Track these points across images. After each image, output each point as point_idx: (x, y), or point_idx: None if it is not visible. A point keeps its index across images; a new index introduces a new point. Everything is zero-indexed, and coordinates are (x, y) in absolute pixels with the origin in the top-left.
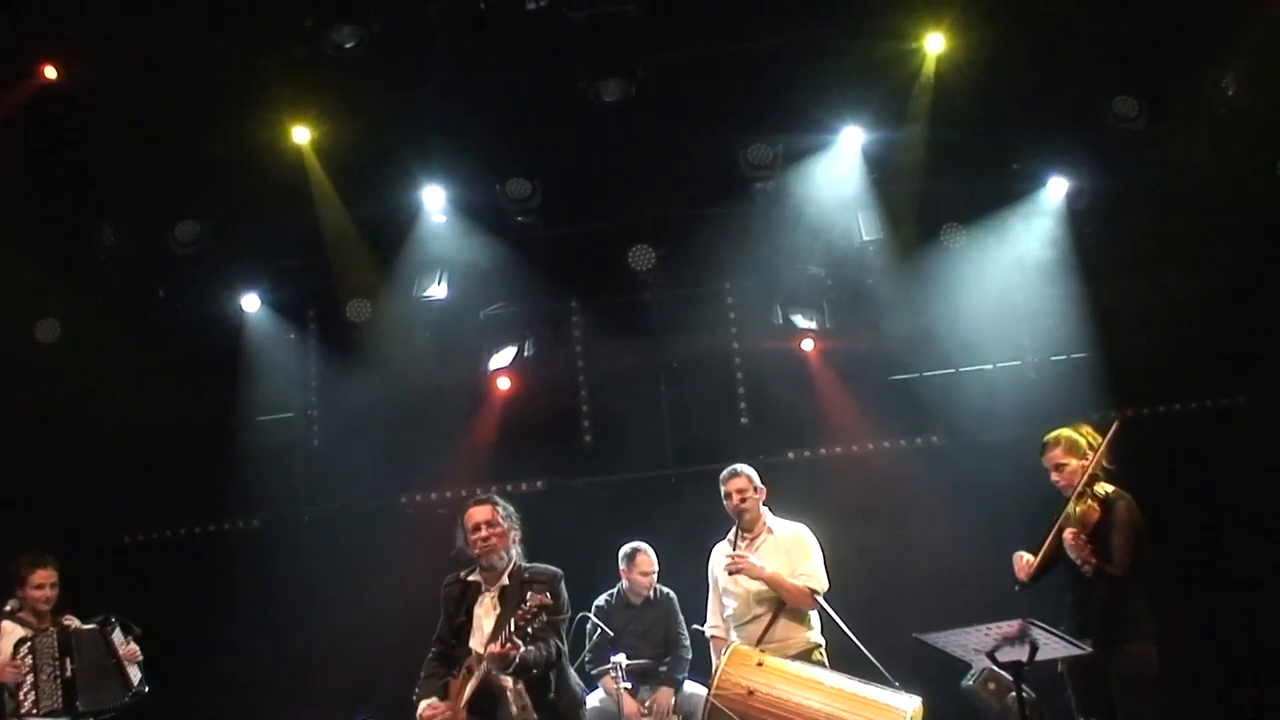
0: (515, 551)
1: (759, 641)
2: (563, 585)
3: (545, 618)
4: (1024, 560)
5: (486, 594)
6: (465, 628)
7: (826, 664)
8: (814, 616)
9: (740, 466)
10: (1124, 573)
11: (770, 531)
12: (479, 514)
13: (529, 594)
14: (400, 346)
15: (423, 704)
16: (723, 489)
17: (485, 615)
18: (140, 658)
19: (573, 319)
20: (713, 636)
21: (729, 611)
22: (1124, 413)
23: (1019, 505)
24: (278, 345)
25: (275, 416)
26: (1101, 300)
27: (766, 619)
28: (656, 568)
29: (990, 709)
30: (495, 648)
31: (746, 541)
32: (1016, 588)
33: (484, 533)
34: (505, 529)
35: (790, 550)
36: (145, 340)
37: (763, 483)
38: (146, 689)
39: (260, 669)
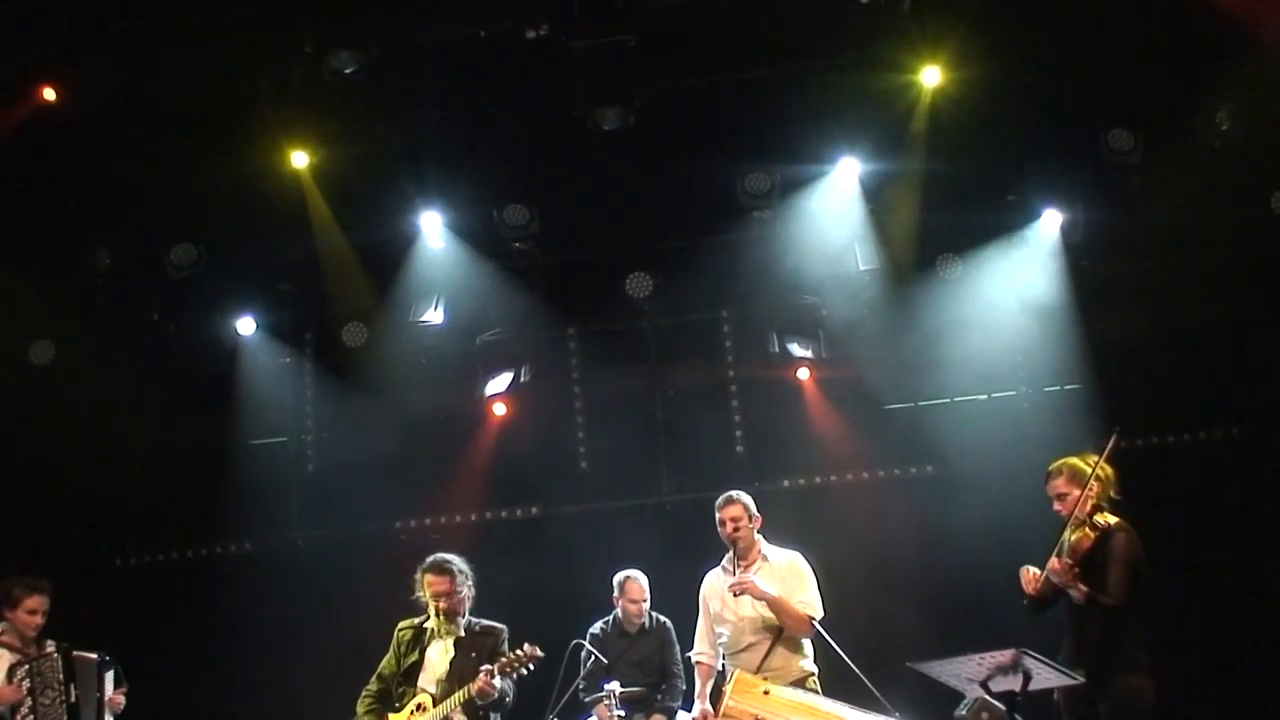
0: (468, 607)
1: (758, 669)
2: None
3: (531, 669)
4: (1030, 574)
5: (440, 640)
6: (416, 668)
7: (820, 692)
8: (808, 645)
9: (735, 494)
10: (1118, 603)
11: (765, 559)
12: (440, 584)
13: (516, 647)
14: (396, 371)
15: None
16: (717, 516)
17: (439, 659)
18: (120, 710)
19: (569, 345)
20: (698, 663)
21: (722, 639)
22: (1117, 431)
23: (1013, 535)
24: (273, 369)
25: (270, 440)
26: (1095, 332)
27: (763, 647)
28: (648, 595)
29: None
30: (482, 683)
31: (742, 569)
32: (1025, 601)
33: (444, 604)
34: (464, 595)
35: (785, 578)
36: (140, 363)
37: (759, 510)
38: None
39: (253, 693)
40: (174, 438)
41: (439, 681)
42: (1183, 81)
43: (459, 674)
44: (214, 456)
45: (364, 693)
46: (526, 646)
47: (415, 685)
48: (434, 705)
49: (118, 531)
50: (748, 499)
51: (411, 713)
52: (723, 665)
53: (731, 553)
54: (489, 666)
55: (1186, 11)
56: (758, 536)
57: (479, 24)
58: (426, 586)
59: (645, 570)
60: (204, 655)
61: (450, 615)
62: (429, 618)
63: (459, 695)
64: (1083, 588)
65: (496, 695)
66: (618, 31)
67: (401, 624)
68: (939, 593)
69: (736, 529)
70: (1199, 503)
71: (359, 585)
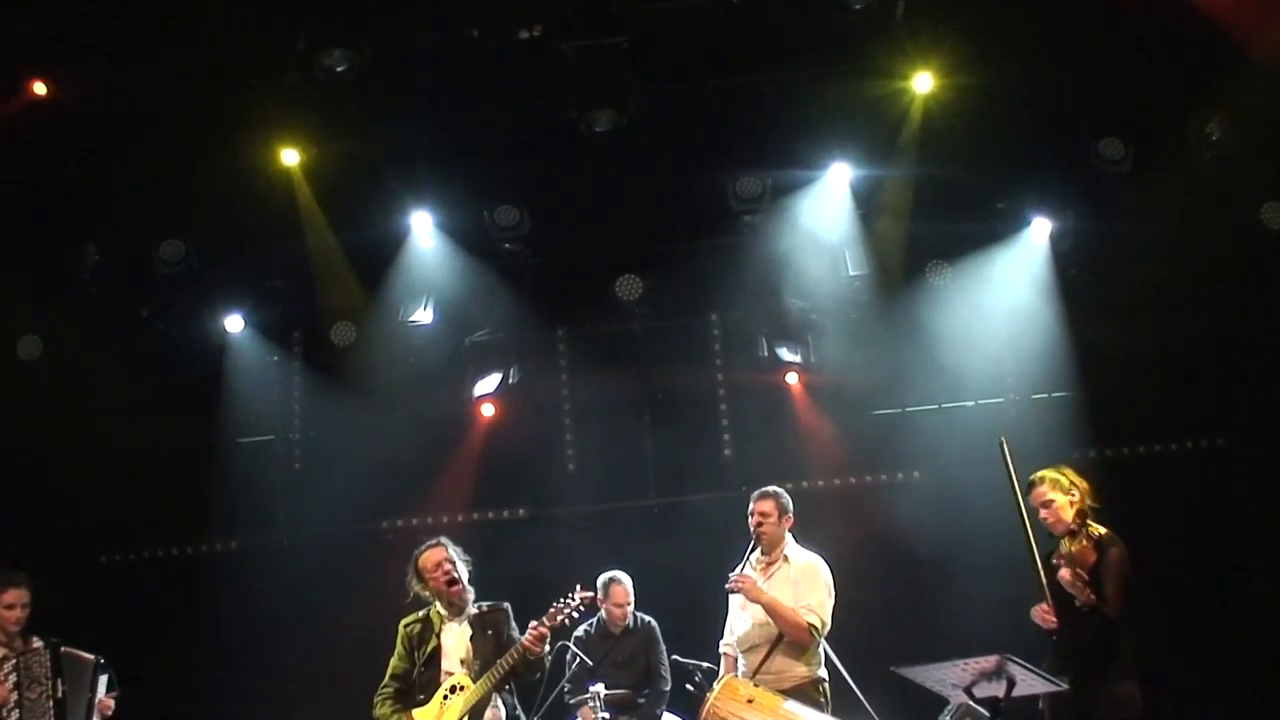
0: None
1: (756, 671)
2: None
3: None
4: (1042, 610)
5: (454, 623)
6: (436, 654)
7: (828, 699)
8: (816, 651)
9: (772, 489)
10: (1117, 615)
11: (787, 560)
12: (438, 554)
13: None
14: (385, 371)
15: None
16: (749, 507)
17: (457, 642)
18: (110, 714)
19: (558, 347)
20: (724, 654)
21: (736, 635)
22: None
23: (998, 542)
24: (261, 367)
25: (257, 439)
26: (1083, 340)
27: (765, 649)
28: (632, 599)
29: None
30: (533, 637)
31: (762, 565)
32: (1054, 638)
33: (449, 569)
34: (463, 570)
35: (798, 581)
36: (127, 359)
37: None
38: None
39: (237, 693)
40: (161, 435)
41: (463, 663)
42: (1174, 91)
43: (482, 652)
44: (200, 454)
45: (381, 695)
46: (576, 592)
47: (438, 671)
48: (474, 682)
49: (102, 528)
50: (785, 497)
51: (445, 696)
52: (741, 663)
53: (756, 547)
54: (536, 622)
55: (1179, 22)
56: (787, 536)
57: (472, 24)
58: (425, 564)
59: (633, 572)
60: (188, 654)
61: (453, 589)
62: (431, 608)
63: (503, 662)
64: (1091, 595)
65: (544, 653)
66: (611, 34)
67: (405, 620)
68: (924, 598)
69: (762, 524)
70: (1185, 512)
71: (345, 585)
